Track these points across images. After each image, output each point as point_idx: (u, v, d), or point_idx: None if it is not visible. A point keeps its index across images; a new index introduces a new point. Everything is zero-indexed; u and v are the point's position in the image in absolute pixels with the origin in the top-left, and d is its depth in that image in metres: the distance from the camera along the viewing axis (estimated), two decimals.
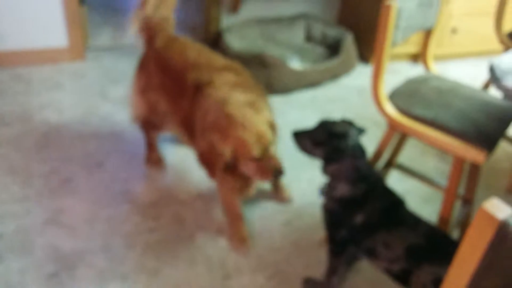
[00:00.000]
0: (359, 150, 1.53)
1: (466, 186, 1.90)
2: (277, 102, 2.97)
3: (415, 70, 3.53)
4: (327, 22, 3.59)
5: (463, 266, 0.86)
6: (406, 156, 2.55)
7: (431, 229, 1.47)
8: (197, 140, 1.75)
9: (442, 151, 1.57)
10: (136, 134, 2.47)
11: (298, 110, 2.91)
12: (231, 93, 1.67)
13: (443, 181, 1.93)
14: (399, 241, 1.43)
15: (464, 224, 1.98)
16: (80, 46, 3.21)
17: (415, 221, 1.49)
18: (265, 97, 1.88)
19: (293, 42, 3.54)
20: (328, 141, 1.51)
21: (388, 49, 1.53)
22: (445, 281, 0.91)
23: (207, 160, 1.60)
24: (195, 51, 1.93)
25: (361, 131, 1.57)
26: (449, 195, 1.67)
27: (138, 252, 1.85)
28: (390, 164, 2.08)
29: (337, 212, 1.55)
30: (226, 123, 1.57)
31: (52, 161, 2.29)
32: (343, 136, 1.51)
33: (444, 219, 1.70)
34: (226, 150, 1.57)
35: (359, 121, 2.82)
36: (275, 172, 1.61)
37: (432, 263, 1.37)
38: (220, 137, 1.56)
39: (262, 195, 2.18)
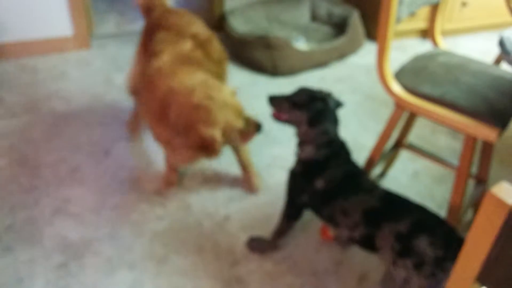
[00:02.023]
0: (333, 117, 1.58)
1: (479, 165, 1.85)
2: (284, 83, 2.93)
3: (425, 47, 3.44)
4: (332, 1, 3.51)
5: (472, 256, 0.81)
6: (416, 135, 2.50)
7: (385, 193, 1.48)
8: (158, 127, 1.75)
9: (453, 129, 1.52)
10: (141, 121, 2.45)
11: None
12: (182, 75, 1.67)
13: (456, 160, 1.88)
14: (356, 207, 1.45)
15: (477, 205, 1.93)
16: (85, 35, 3.19)
17: (371, 187, 1.50)
18: (223, 71, 1.96)
19: (299, 22, 3.47)
20: (312, 104, 1.55)
21: (393, 26, 1.47)
22: (453, 272, 0.87)
23: (204, 150, 1.61)
24: (178, 18, 1.97)
25: (339, 104, 1.62)
26: (461, 175, 1.62)
27: (145, 240, 1.85)
28: (399, 144, 2.03)
29: (300, 175, 1.58)
30: (204, 114, 1.57)
31: (59, 151, 2.29)
32: (324, 100, 1.56)
33: (456, 199, 1.65)
34: (219, 135, 1.58)
35: (368, 101, 2.78)
36: (257, 130, 1.70)
37: (389, 221, 1.39)
38: (207, 126, 1.57)
39: (270, 180, 2.15)
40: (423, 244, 1.30)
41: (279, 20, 3.44)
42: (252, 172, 2.08)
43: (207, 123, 1.57)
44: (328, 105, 1.56)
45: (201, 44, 1.88)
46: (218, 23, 3.46)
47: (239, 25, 3.23)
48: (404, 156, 2.33)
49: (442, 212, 1.98)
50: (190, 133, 1.58)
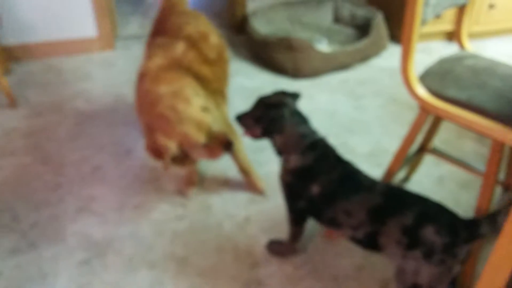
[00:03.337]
0: (299, 117, 1.56)
1: (507, 171, 1.81)
2: (306, 86, 2.91)
3: (450, 49, 3.38)
4: (355, 2, 3.48)
5: (501, 264, 0.79)
6: (442, 139, 2.45)
7: (386, 187, 1.46)
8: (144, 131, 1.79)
9: (480, 134, 1.49)
10: None
11: (327, 94, 2.84)
12: (154, 87, 1.68)
13: (482, 166, 1.84)
14: (359, 206, 1.43)
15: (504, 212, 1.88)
16: (109, 36, 3.23)
17: (371, 184, 1.47)
18: (222, 68, 1.98)
19: (321, 24, 3.45)
20: (265, 114, 1.55)
21: (418, 27, 1.45)
22: (482, 279, 0.85)
23: (156, 155, 1.64)
24: (177, 18, 2.00)
25: (296, 96, 1.61)
26: (488, 181, 1.59)
27: (166, 239, 1.86)
28: (424, 148, 2.00)
29: (293, 184, 1.56)
30: (164, 123, 1.61)
31: (83, 150, 2.32)
32: (277, 106, 1.54)
33: (482, 206, 1.62)
34: (172, 146, 1.61)
35: (391, 104, 2.75)
36: (225, 148, 1.69)
37: (394, 215, 1.37)
38: (163, 136, 1.61)
39: None
40: (429, 233, 1.31)
41: (301, 22, 3.42)
42: (253, 176, 2.07)
43: (164, 132, 1.60)
44: (283, 109, 1.54)
45: (194, 44, 1.89)
46: (240, 25, 3.47)
47: (261, 26, 3.23)
48: (428, 160, 2.29)
49: None
50: (149, 137, 1.63)
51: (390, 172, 1.80)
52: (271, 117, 1.54)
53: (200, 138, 1.63)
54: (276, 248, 1.80)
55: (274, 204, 2.03)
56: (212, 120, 1.68)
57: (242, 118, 1.63)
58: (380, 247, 1.43)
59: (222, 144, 1.68)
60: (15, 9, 2.95)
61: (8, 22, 2.96)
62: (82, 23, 3.14)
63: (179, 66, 1.79)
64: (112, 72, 3.01)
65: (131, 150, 2.33)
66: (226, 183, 2.14)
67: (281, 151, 1.57)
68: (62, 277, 1.70)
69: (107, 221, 1.94)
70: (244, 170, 2.05)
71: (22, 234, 1.86)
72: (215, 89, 1.92)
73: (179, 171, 2.09)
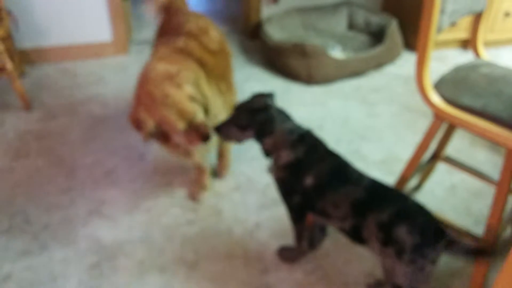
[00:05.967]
0: (284, 115, 1.58)
1: None
2: (319, 92, 2.91)
3: (466, 57, 3.36)
4: (370, 9, 3.47)
5: None
6: (455, 147, 2.43)
7: (372, 182, 1.48)
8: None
9: (494, 142, 1.47)
10: None
11: (340, 100, 2.83)
12: (155, 64, 1.73)
13: (495, 175, 1.82)
14: (344, 198, 1.46)
15: None
16: (123, 40, 3.26)
17: (358, 177, 1.49)
18: (224, 61, 2.05)
19: (335, 30, 3.45)
20: (253, 120, 1.55)
21: (433, 35, 1.44)
22: (496, 283, 0.84)
23: (135, 126, 1.71)
24: (178, 18, 2.08)
25: (272, 95, 1.63)
26: (501, 190, 1.56)
27: (176, 244, 1.86)
28: (437, 156, 1.98)
29: (287, 179, 1.57)
30: (149, 100, 1.65)
31: (95, 153, 2.34)
32: (263, 109, 1.56)
33: (495, 215, 1.59)
34: (150, 124, 1.67)
35: (404, 112, 2.73)
36: (203, 139, 1.71)
37: (373, 211, 1.40)
38: (145, 112, 1.66)
39: None
40: (402, 232, 1.34)
41: (315, 28, 3.42)
42: (226, 161, 2.19)
43: (147, 109, 1.65)
44: (269, 110, 1.55)
45: (195, 37, 1.95)
46: (254, 31, 3.48)
47: (275, 32, 3.24)
48: (441, 168, 2.26)
49: (479, 228, 1.91)
50: (134, 107, 1.70)
51: (402, 180, 1.78)
52: (261, 121, 1.55)
53: (179, 124, 1.66)
54: (287, 254, 1.79)
55: (285, 210, 2.02)
56: (198, 111, 1.70)
57: (222, 128, 1.62)
58: (364, 241, 1.46)
59: (200, 135, 1.70)
60: (31, 13, 2.99)
61: (24, 25, 3.01)
62: (97, 27, 3.17)
63: (182, 52, 1.86)
64: (126, 76, 3.03)
65: (144, 154, 2.34)
66: (237, 188, 2.14)
67: (270, 151, 1.58)
68: (72, 280, 1.71)
69: (118, 224, 1.95)
70: (221, 153, 2.16)
71: (33, 236, 1.88)
72: (218, 76, 1.96)
73: (178, 157, 2.06)
